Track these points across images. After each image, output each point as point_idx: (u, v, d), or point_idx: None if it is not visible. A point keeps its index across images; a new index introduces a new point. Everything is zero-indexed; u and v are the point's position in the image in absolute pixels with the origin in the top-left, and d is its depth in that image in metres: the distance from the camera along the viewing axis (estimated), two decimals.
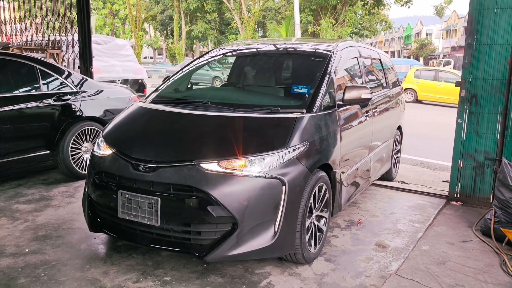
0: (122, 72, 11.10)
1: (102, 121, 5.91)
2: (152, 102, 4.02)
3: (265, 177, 3.07)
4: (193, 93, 4.53)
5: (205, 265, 3.46)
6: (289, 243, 3.22)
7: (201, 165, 3.08)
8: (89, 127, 5.82)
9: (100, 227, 3.50)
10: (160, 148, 3.32)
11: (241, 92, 4.32)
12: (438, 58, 53.05)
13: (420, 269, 3.56)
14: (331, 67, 4.05)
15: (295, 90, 3.86)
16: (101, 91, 6.18)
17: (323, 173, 3.55)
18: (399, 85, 6.60)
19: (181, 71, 4.63)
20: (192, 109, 3.66)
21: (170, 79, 4.53)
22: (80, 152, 5.73)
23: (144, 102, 4.11)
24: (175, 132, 3.46)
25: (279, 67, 4.56)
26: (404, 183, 6.23)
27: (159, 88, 4.38)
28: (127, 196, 3.20)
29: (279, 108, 3.55)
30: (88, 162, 5.48)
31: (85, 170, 5.71)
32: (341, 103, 3.97)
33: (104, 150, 3.53)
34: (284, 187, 3.10)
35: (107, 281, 3.21)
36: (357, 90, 3.92)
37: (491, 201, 5.25)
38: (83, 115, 5.77)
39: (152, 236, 3.24)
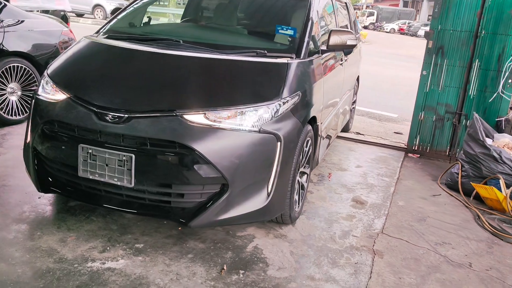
0: (41, 1, 9.70)
1: (31, 58, 5.02)
2: (109, 37, 3.34)
3: (259, 131, 2.66)
4: (156, 29, 3.87)
5: (179, 228, 3.06)
6: (280, 204, 2.90)
7: (185, 116, 2.59)
8: (15, 64, 4.91)
9: (52, 186, 2.91)
10: (131, 94, 2.75)
11: (215, 30, 3.75)
12: (362, 8, 53.95)
13: (404, 226, 3.44)
14: (314, 7, 3.62)
15: (280, 31, 3.39)
16: (23, 21, 5.18)
17: (310, 127, 3.22)
18: (358, 31, 6.36)
19: (134, 3, 3.93)
20: (163, 48, 3.07)
21: (123, 12, 3.83)
22: (5, 94, 4.85)
23: (96, 37, 3.42)
24: (147, 75, 2.89)
25: (252, 3, 4.02)
26: (360, 134, 6.13)
27: (111, 21, 3.68)
28: (89, 151, 2.64)
29: (266, 52, 3.09)
30: (25, 106, 4.68)
31: (12, 115, 4.89)
32: (325, 48, 3.60)
33: (54, 94, 2.88)
34: (279, 143, 2.72)
35: (66, 251, 2.70)
36: (343, 35, 3.55)
37: (447, 154, 5.31)
38: (7, 49, 4.83)
39: (122, 199, 2.75)
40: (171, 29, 3.74)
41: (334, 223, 3.37)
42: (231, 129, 2.63)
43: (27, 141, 3.02)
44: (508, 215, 3.80)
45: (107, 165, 2.63)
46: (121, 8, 4.04)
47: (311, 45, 3.42)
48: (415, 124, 5.40)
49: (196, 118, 2.60)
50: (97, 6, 21.34)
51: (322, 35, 3.76)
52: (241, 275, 2.62)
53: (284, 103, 2.80)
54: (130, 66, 2.97)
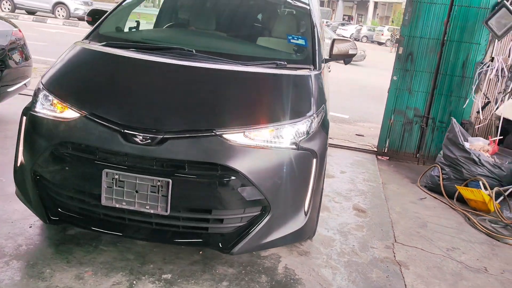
0: None
1: None
2: (108, 45, 3.00)
3: (297, 149, 2.54)
4: (158, 35, 3.54)
5: (200, 252, 2.85)
6: (313, 222, 2.82)
7: (224, 135, 2.40)
8: None
9: (63, 217, 2.56)
10: (160, 112, 2.49)
11: (221, 38, 3.53)
12: None
13: (412, 234, 3.52)
14: (314, 14, 3.57)
15: (292, 40, 3.29)
16: None
17: None
18: None
19: (121, 3, 3.59)
20: (178, 59, 2.81)
21: (112, 13, 3.47)
22: None
23: (91, 44, 3.06)
24: (172, 90, 2.63)
25: (249, 7, 3.85)
26: (330, 138, 6.19)
27: (100, 25, 3.32)
28: (115, 177, 2.35)
29: (285, 63, 2.97)
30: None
31: None
32: (328, 57, 3.56)
33: (61, 112, 2.54)
34: (315, 159, 2.63)
35: None
36: (345, 44, 3.53)
37: (415, 156, 5.55)
38: None
39: (151, 227, 2.49)
40: (175, 36, 3.46)
41: (348, 235, 3.35)
42: (271, 148, 2.49)
43: (23, 166, 2.64)
44: (494, 215, 4.04)
45: (137, 191, 2.36)
46: (102, 9, 3.67)
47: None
48: (385, 128, 5.57)
49: (236, 137, 2.42)
50: (58, 4, 18.92)
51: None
52: None
53: (315, 116, 2.71)
54: (149, 79, 2.70)
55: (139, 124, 2.38)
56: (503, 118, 4.65)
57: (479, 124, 5.11)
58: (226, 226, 2.48)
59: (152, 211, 2.38)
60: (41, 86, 2.71)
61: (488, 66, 4.87)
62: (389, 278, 2.84)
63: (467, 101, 5.18)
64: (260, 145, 2.46)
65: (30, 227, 2.94)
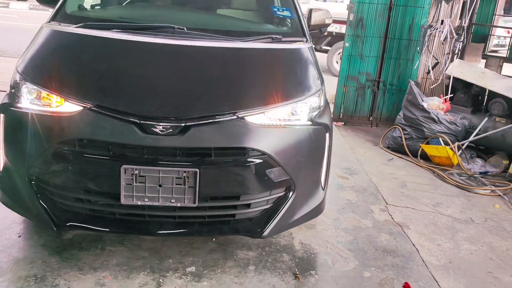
0: None
1: None
2: (87, 27, 2.67)
3: (313, 124, 2.51)
4: (132, 12, 3.19)
5: (213, 239, 2.76)
6: (326, 196, 2.83)
7: (246, 118, 2.29)
8: None
9: (73, 221, 2.31)
10: (177, 98, 2.31)
11: (199, 12, 3.29)
12: None
13: (397, 194, 3.69)
14: None
15: (278, 12, 3.19)
16: None
17: None
18: None
19: None
20: (173, 38, 2.59)
21: None
22: None
23: (63, 26, 2.71)
24: (182, 73, 2.43)
25: None
26: None
27: (67, 6, 2.96)
28: (135, 172, 2.16)
29: (281, 37, 2.88)
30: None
31: None
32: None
33: (58, 106, 2.26)
34: (327, 133, 2.62)
35: None
36: (321, 13, 3.51)
37: (369, 119, 5.78)
38: None
39: (174, 221, 2.34)
40: (153, 13, 3.16)
41: (343, 203, 3.43)
42: (290, 126, 2.43)
43: (10, 170, 2.34)
44: (457, 168, 4.37)
45: (160, 185, 2.19)
46: None
47: None
48: (340, 95, 5.71)
49: (257, 118, 2.33)
50: None
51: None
52: (318, 276, 2.51)
53: (323, 90, 2.69)
54: (151, 63, 2.47)
55: (156, 113, 2.19)
56: (453, 77, 4.97)
57: (433, 85, 5.42)
58: (253, 210, 2.40)
59: (178, 204, 2.23)
60: (20, 78, 2.38)
61: (436, 29, 5.13)
62: (397, 240, 2.97)
63: (417, 64, 5.45)
64: (280, 124, 2.40)
65: (19, 236, 2.64)
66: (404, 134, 4.76)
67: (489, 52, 6.09)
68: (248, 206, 2.38)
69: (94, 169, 2.19)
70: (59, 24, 2.74)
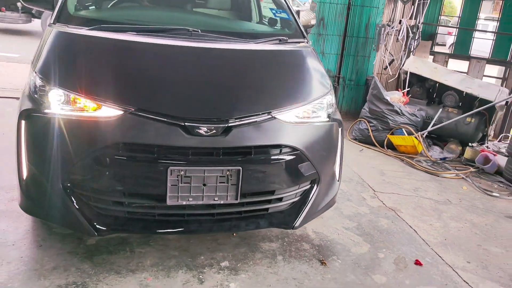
0: None
1: None
2: (101, 29, 2.63)
3: (330, 120, 2.71)
4: (139, 14, 3.13)
5: (234, 234, 2.87)
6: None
7: (278, 116, 2.43)
8: None
9: (114, 226, 2.31)
10: (216, 100, 2.38)
11: (201, 15, 3.32)
12: None
13: (380, 182, 4.01)
14: None
15: (277, 14, 3.33)
16: None
17: None
18: None
19: None
20: (191, 40, 2.65)
21: None
22: None
23: (72, 28, 2.65)
24: (214, 76, 2.49)
25: None
26: None
27: (66, 9, 2.88)
28: (181, 173, 2.22)
29: (287, 38, 3.04)
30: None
31: None
32: None
33: (95, 110, 2.24)
34: (340, 128, 2.82)
35: None
36: (305, 13, 3.73)
37: None
38: None
39: (213, 218, 2.42)
40: (160, 15, 3.13)
41: (339, 194, 3.65)
42: (313, 123, 2.60)
43: (38, 178, 2.29)
44: (421, 155, 4.80)
45: (204, 184, 2.27)
46: None
47: None
48: None
49: (288, 116, 2.47)
50: None
51: None
52: (341, 260, 2.72)
53: (332, 87, 2.89)
54: (181, 65, 2.50)
55: (199, 115, 2.26)
56: (409, 72, 5.42)
57: (390, 79, 5.84)
58: (284, 204, 2.55)
59: (222, 202, 2.32)
60: (43, 82, 2.31)
61: (393, 28, 5.55)
62: (395, 223, 3.27)
63: (375, 60, 5.85)
64: (306, 122, 2.56)
65: (40, 246, 2.56)
66: (370, 126, 5.13)
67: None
68: (280, 199, 2.52)
69: (139, 172, 2.21)
70: (67, 26, 2.68)
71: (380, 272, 2.65)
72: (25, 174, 2.34)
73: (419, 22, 5.57)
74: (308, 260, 2.69)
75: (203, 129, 2.23)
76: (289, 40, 3.03)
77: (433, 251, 2.94)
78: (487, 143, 5.11)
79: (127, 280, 2.35)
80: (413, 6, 5.55)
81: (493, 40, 6.29)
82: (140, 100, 2.27)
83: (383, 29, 5.68)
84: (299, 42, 3.09)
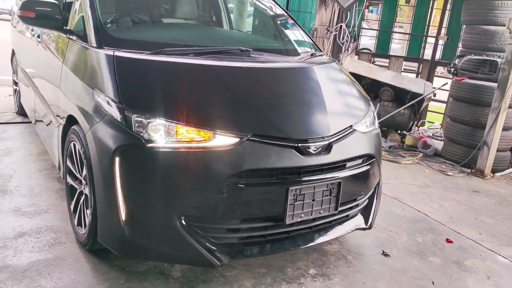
0: None
1: None
2: (164, 54, 2.52)
3: (376, 128, 3.00)
4: (189, 35, 2.97)
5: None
6: None
7: (357, 128, 2.65)
8: None
9: (237, 253, 2.29)
10: (311, 120, 2.48)
11: (228, 33, 3.27)
12: None
13: None
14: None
15: (291, 30, 3.49)
16: None
17: None
18: None
19: None
20: (253, 61, 2.73)
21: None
22: None
23: (132, 53, 2.49)
24: (294, 96, 2.60)
25: None
26: None
27: (105, 31, 2.67)
28: (296, 192, 2.31)
29: (316, 52, 3.25)
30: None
31: None
32: None
33: (208, 140, 2.18)
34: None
35: None
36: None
37: None
38: None
39: (312, 231, 2.54)
40: (202, 36, 3.02)
41: None
42: (372, 131, 2.86)
43: (155, 215, 2.17)
44: None
45: (313, 200, 2.39)
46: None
47: None
48: None
49: (362, 127, 2.70)
50: None
51: None
52: (395, 250, 3.05)
53: None
54: (261, 88, 2.56)
55: (307, 135, 2.36)
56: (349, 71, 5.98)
57: None
58: (360, 208, 2.79)
59: (326, 214, 2.47)
60: (138, 114, 2.17)
61: (331, 32, 6.04)
62: (406, 210, 3.72)
63: None
64: (371, 130, 2.81)
65: (118, 268, 2.39)
66: None
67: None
68: (358, 204, 2.75)
69: (259, 196, 2.24)
70: (122, 51, 2.50)
71: (431, 254, 3.06)
72: (123, 215, 2.17)
73: (355, 27, 6.17)
74: (373, 254, 2.96)
75: (312, 148, 2.35)
76: (317, 54, 3.24)
77: (450, 229, 3.45)
78: (418, 129, 5.95)
79: None
80: (349, 12, 6.13)
81: (407, 40, 7.26)
82: (254, 125, 2.28)
83: (315, 32, 6.15)
84: (322, 55, 3.31)
